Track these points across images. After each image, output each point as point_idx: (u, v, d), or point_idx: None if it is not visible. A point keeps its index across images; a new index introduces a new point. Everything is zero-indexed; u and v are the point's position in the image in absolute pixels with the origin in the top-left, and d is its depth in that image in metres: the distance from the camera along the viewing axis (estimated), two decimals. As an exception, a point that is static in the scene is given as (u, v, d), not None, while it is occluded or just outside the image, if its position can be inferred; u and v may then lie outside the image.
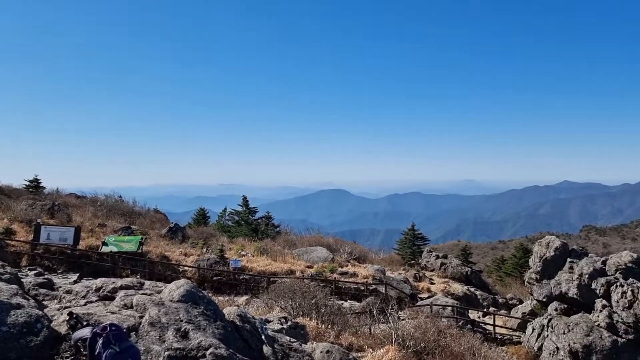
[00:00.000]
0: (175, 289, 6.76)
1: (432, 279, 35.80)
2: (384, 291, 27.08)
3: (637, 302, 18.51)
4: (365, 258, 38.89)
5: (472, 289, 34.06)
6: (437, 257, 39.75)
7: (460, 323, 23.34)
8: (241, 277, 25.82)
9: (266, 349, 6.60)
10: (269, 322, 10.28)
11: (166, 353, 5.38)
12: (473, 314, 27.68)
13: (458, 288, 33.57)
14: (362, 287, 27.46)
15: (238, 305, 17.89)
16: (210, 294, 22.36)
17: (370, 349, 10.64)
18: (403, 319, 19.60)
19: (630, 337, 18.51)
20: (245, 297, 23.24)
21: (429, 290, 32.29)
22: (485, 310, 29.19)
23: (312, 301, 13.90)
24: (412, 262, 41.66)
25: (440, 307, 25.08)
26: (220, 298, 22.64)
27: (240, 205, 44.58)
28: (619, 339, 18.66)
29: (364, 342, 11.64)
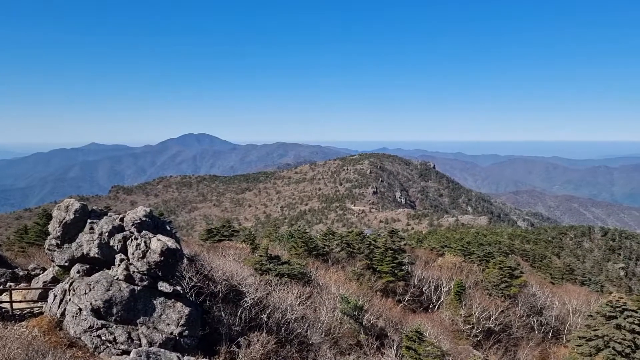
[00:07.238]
0: None
1: None
2: None
3: (149, 251, 20.47)
4: None
5: (-14, 267, 29.88)
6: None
7: (-33, 310, 20.06)
8: None
9: None
10: None
11: None
12: (-14, 295, 24.39)
13: (-34, 269, 28.73)
14: None
15: None
16: None
17: None
18: None
19: (145, 283, 20.39)
20: None
21: None
22: (1, 287, 26.19)
23: None
24: None
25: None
26: None
27: None
28: (135, 287, 20.26)
29: None
